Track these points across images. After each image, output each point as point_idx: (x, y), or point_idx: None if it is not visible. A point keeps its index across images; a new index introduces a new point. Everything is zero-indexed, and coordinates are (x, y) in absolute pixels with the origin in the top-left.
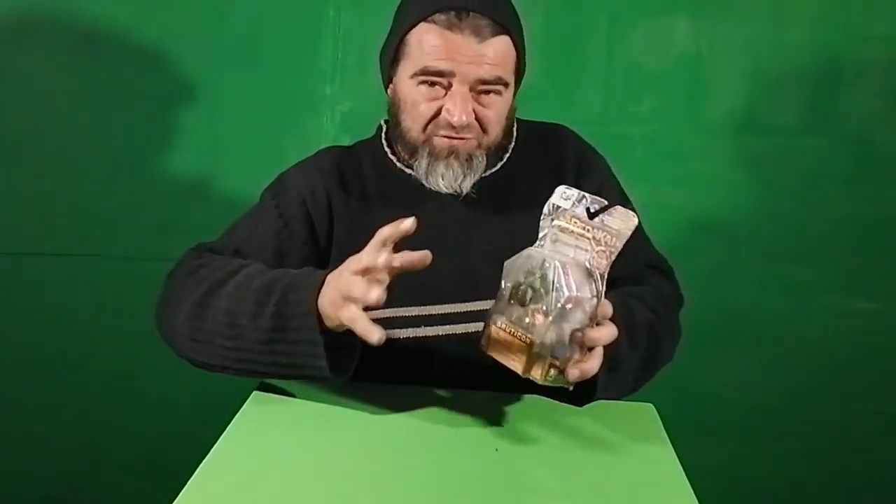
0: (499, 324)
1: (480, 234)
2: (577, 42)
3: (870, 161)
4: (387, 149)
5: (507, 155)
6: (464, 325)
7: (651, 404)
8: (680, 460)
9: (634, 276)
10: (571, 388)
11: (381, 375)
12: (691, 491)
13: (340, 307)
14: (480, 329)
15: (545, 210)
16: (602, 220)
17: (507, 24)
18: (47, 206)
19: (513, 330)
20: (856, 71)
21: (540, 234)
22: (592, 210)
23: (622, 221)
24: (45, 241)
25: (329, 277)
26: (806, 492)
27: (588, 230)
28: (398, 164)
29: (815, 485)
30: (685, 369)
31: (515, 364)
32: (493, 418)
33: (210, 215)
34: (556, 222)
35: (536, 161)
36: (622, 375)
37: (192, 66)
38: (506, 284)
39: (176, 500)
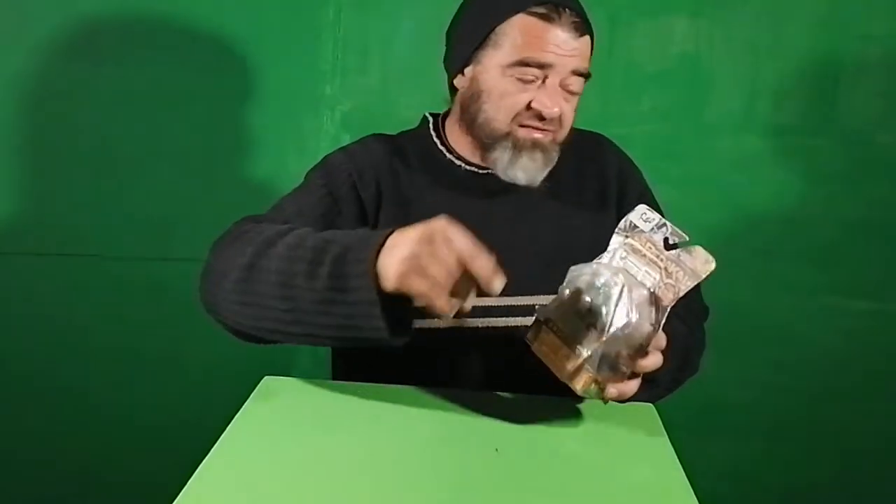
0: (551, 325)
1: (524, 229)
2: None
3: (870, 161)
4: (436, 139)
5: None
6: (504, 318)
7: (651, 404)
8: (680, 460)
9: None
10: (605, 404)
11: (388, 376)
12: (691, 491)
13: (408, 276)
14: (519, 324)
15: (620, 225)
16: (678, 255)
17: (591, 25)
18: (47, 206)
19: (564, 335)
20: (856, 71)
21: (609, 248)
22: (671, 241)
23: (701, 263)
24: (45, 241)
25: (396, 240)
26: (806, 492)
27: (662, 260)
28: (448, 156)
29: (815, 485)
30: None
31: (559, 369)
32: (493, 418)
33: (210, 215)
34: (629, 241)
35: (581, 166)
36: (655, 387)
37: (192, 65)
38: (566, 290)
39: (176, 500)
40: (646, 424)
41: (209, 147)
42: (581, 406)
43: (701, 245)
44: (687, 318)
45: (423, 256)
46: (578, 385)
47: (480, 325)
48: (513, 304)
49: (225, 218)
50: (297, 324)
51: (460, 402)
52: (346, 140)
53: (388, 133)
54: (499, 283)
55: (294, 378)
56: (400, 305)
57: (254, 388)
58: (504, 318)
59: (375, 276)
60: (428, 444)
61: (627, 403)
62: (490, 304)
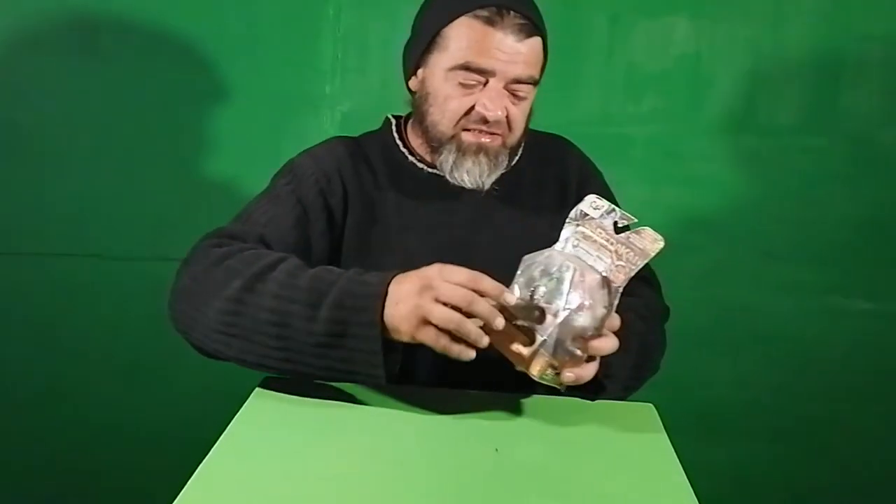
0: (506, 314)
1: (487, 231)
2: (577, 42)
3: (870, 161)
4: (398, 142)
5: (517, 158)
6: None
7: (651, 404)
8: (680, 460)
9: (626, 287)
10: (563, 390)
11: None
12: (691, 491)
13: (419, 328)
14: (481, 324)
15: (571, 215)
16: (628, 237)
17: (540, 26)
18: (47, 206)
19: (519, 323)
20: (856, 70)
21: (562, 237)
22: (620, 225)
23: (649, 243)
24: (45, 241)
25: (397, 290)
26: (806, 492)
27: (612, 243)
28: (410, 158)
29: (815, 485)
30: (685, 369)
31: (515, 356)
32: (493, 418)
33: (210, 215)
34: (580, 228)
35: (542, 168)
36: (614, 383)
37: (192, 65)
38: (520, 279)
39: (176, 500)
40: (646, 424)
41: (209, 147)
42: (581, 406)
43: (687, 233)
44: (647, 318)
45: (426, 305)
46: (535, 370)
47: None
48: None
49: (224, 218)
50: (287, 361)
51: (460, 402)
52: None
53: (351, 136)
54: (501, 317)
55: (293, 378)
56: (390, 349)
57: (253, 389)
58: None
59: (380, 330)
60: (428, 444)
61: (626, 402)
62: None
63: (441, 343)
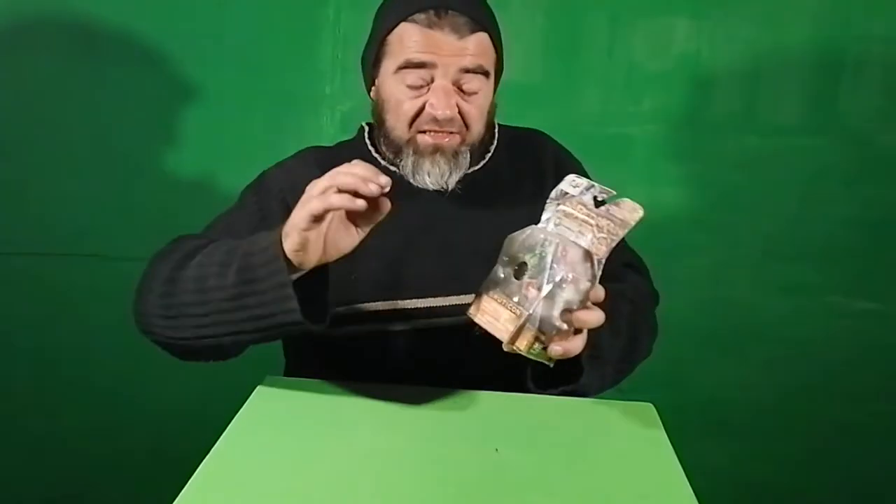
0: (491, 293)
1: (466, 230)
2: (577, 42)
3: (870, 161)
4: (371, 147)
5: (490, 155)
6: (450, 318)
7: (651, 404)
8: (680, 460)
9: (612, 274)
10: (552, 365)
11: (360, 373)
12: (691, 491)
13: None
14: (462, 322)
15: (552, 195)
16: (608, 209)
17: (485, 22)
18: (47, 206)
19: (504, 300)
20: (856, 71)
21: (543, 217)
22: (600, 199)
23: (628, 212)
24: (45, 241)
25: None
26: (806, 492)
27: (592, 217)
28: (382, 162)
29: (815, 485)
30: (685, 369)
31: (502, 333)
32: (493, 418)
33: (210, 215)
34: (560, 207)
35: (518, 162)
36: (603, 365)
37: (192, 65)
38: (504, 257)
39: (176, 500)
40: (646, 424)
41: (209, 147)
42: (581, 406)
43: (687, 233)
44: (636, 301)
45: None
46: (522, 345)
47: (428, 327)
48: (456, 303)
49: None
50: (215, 325)
51: (460, 402)
52: None
53: (325, 146)
54: (373, 186)
55: (294, 378)
56: (311, 293)
57: (254, 388)
58: (450, 319)
59: (283, 262)
60: (428, 444)
61: (626, 402)
62: (432, 304)
63: (326, 201)
